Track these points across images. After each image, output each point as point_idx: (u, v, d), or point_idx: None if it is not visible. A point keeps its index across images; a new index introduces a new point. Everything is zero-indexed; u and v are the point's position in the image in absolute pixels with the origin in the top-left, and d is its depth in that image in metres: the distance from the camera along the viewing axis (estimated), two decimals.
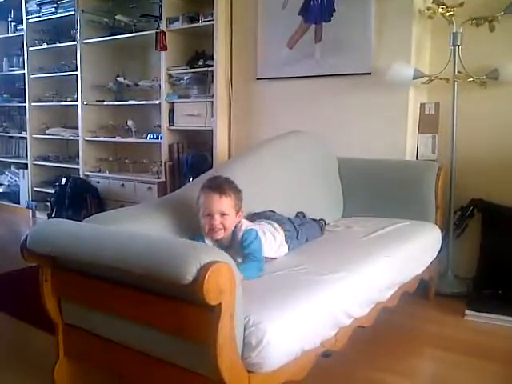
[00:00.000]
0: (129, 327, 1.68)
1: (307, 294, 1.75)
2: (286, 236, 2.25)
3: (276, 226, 2.26)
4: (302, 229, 2.39)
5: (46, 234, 1.79)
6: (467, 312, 2.74)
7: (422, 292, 2.90)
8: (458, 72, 3.03)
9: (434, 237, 2.81)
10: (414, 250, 2.53)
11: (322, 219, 2.68)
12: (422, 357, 2.39)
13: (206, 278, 1.34)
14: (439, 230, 2.87)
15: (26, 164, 5.46)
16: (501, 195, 3.06)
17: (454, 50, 3.01)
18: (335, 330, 1.85)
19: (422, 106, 3.30)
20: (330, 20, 3.40)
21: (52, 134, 5.25)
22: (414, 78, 3.07)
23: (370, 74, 3.28)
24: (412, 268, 2.52)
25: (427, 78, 3.12)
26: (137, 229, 1.87)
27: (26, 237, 1.79)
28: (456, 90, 3.05)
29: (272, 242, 2.16)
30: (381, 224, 2.73)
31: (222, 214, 1.94)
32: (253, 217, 2.37)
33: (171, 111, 4.21)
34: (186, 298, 1.46)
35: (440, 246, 2.86)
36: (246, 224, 2.04)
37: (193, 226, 2.06)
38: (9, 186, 5.81)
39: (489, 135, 3.13)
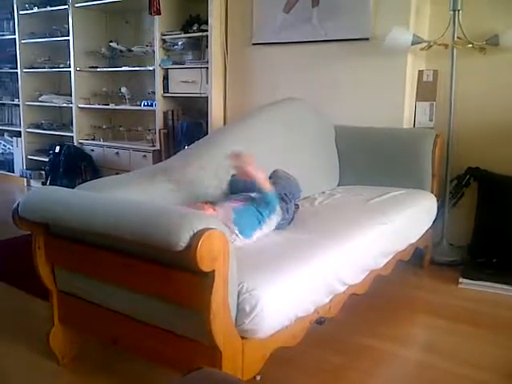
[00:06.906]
0: (122, 294, 1.68)
1: (301, 260, 1.75)
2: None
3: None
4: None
5: (37, 200, 1.77)
6: (461, 280, 2.76)
7: (416, 260, 2.92)
8: (458, 38, 2.96)
9: (430, 205, 2.80)
10: (409, 219, 2.53)
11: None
12: (416, 324, 2.41)
13: (200, 244, 1.33)
14: (435, 199, 2.87)
15: (20, 132, 5.39)
16: (497, 164, 3.05)
17: (454, 14, 2.94)
18: (329, 296, 1.86)
19: (421, 73, 3.25)
20: None
21: (45, 102, 5.17)
22: (412, 44, 3.01)
23: (367, 39, 3.21)
24: (407, 236, 2.52)
25: (426, 44, 3.06)
26: (128, 196, 1.86)
27: (18, 204, 1.77)
28: (455, 57, 2.99)
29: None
30: (377, 192, 2.72)
31: None
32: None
33: (165, 78, 4.14)
34: (179, 264, 1.45)
35: (436, 214, 2.86)
36: None
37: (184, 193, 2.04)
38: (2, 154, 5.74)
39: (487, 103, 3.10)
